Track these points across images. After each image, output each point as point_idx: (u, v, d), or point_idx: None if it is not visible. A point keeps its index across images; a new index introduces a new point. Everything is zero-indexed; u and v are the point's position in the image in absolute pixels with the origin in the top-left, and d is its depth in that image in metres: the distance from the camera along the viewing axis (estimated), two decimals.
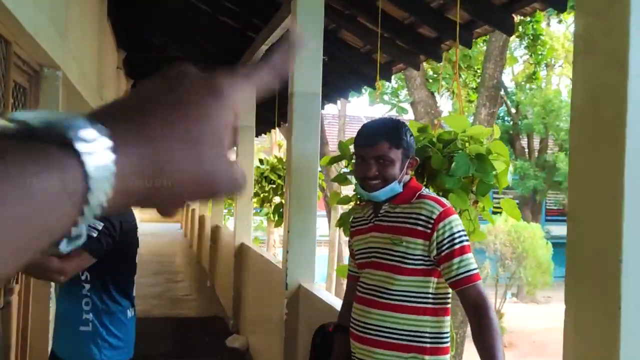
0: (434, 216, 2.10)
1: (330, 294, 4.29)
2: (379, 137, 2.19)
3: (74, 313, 2.64)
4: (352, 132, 3.17)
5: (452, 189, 2.35)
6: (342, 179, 3.52)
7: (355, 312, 2.26)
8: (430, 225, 2.10)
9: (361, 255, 2.31)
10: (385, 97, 14.55)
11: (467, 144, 2.44)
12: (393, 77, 6.26)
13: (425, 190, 2.25)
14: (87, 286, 2.63)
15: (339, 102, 14.57)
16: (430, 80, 11.30)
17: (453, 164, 2.39)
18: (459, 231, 2.11)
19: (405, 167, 2.21)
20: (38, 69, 3.73)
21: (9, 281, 3.43)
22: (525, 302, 18.61)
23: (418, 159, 2.30)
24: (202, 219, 12.55)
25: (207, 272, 10.76)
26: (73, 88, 4.44)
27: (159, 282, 10.48)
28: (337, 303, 3.44)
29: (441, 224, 2.09)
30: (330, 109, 15.01)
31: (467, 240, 2.14)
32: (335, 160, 3.44)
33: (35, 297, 3.72)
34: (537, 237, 15.50)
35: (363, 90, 9.66)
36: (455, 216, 2.15)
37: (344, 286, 2.58)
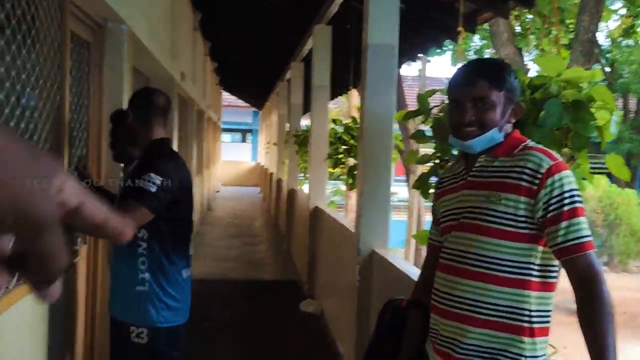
0: (542, 170, 1.75)
1: (406, 262, 4.02)
2: (477, 76, 1.87)
3: (130, 272, 2.54)
4: None
5: (541, 141, 1.98)
6: (420, 136, 3.20)
7: (439, 282, 1.94)
8: (537, 181, 1.75)
9: (448, 217, 1.97)
10: (469, 56, 13.87)
11: (562, 90, 2.08)
12: (478, 34, 5.80)
13: (532, 142, 1.89)
14: (144, 244, 2.52)
15: (419, 62, 14.02)
16: (518, 37, 10.61)
17: (542, 112, 2.03)
18: (570, 189, 1.75)
19: (508, 113, 1.88)
20: (101, 22, 3.60)
21: (75, 241, 3.37)
22: (617, 271, 17.66)
23: (524, 105, 1.93)
24: (279, 182, 12.49)
25: (284, 235, 10.70)
26: (141, 44, 4.31)
27: (236, 245, 10.53)
28: (414, 272, 3.16)
29: (550, 180, 1.74)
30: (409, 70, 14.42)
31: (580, 202, 1.76)
32: (412, 114, 3.12)
33: (103, 259, 3.66)
34: (631, 204, 14.51)
35: (444, 47, 9.16)
36: (568, 172, 1.78)
37: (424, 255, 2.26)
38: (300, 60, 9.55)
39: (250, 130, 29.35)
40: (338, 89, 9.08)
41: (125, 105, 3.54)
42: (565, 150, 2.17)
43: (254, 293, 7.26)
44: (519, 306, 1.78)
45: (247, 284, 7.68)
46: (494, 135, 1.86)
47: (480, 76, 1.84)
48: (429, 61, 13.37)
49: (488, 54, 14.32)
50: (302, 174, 9.70)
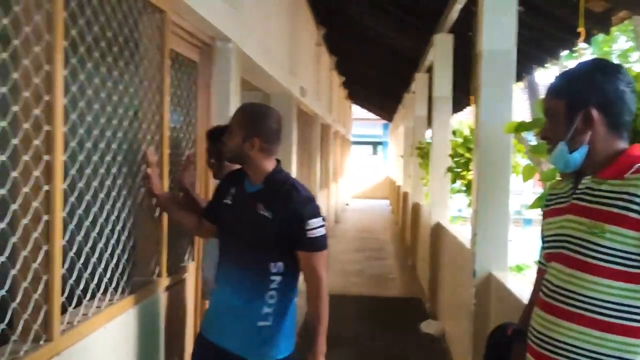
0: None
1: (526, 285, 3.68)
2: (551, 86, 1.68)
3: (253, 307, 2.42)
4: None
5: None
6: (539, 150, 2.90)
7: (536, 321, 1.71)
8: None
9: (550, 244, 1.74)
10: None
11: None
12: (625, 35, 5.27)
13: None
14: (279, 279, 2.43)
15: (556, 67, 13.18)
16: None
17: None
18: None
19: (576, 122, 1.62)
20: (209, 41, 3.65)
21: (182, 258, 3.42)
22: None
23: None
24: (405, 195, 12.25)
25: (409, 250, 10.45)
26: (251, 61, 4.34)
27: (360, 259, 10.42)
28: None
29: None
30: (544, 75, 13.64)
31: None
32: (526, 126, 2.84)
33: None
34: None
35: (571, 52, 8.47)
36: None
37: None
38: (424, 71, 9.32)
39: (380, 143, 29.29)
40: (462, 99, 8.73)
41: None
42: None
43: (376, 309, 7.08)
44: (625, 356, 1.51)
45: (370, 299, 7.53)
46: (562, 151, 1.64)
47: (552, 86, 1.62)
48: (565, 66, 12.53)
49: (635, 56, 13.17)
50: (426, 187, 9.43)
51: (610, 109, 1.61)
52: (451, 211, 7.70)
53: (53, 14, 1.84)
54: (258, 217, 2.39)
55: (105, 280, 2.33)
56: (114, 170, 2.41)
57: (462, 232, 5.63)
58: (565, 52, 6.31)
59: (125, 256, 2.53)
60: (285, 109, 6.54)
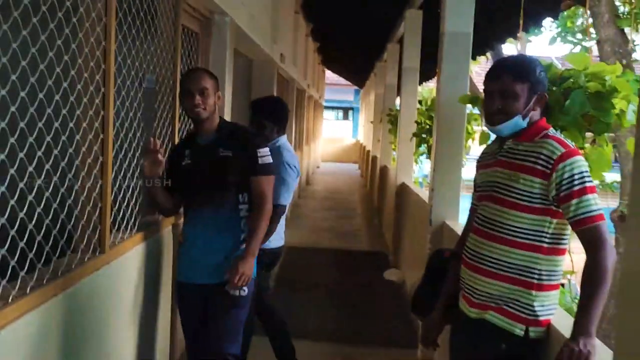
0: (555, 157, 2.09)
1: None
2: (502, 71, 2.22)
3: (232, 238, 2.85)
4: None
5: (566, 126, 2.31)
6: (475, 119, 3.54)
7: (470, 242, 2.35)
8: (549, 166, 2.10)
9: (482, 188, 2.37)
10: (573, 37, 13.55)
11: (588, 82, 2.37)
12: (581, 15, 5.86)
13: (552, 131, 2.21)
14: (246, 206, 2.87)
15: (518, 43, 13.89)
16: (622, 16, 10.32)
17: (567, 101, 2.34)
18: (580, 172, 2.07)
19: (532, 102, 2.21)
20: (208, 15, 4.17)
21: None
22: None
23: (547, 95, 2.25)
24: (374, 159, 12.92)
25: (376, 210, 11.17)
26: (242, 32, 4.86)
27: (331, 217, 11.12)
28: None
29: (561, 165, 2.08)
30: (509, 49, 14.26)
31: (589, 182, 2.08)
32: (471, 99, 3.46)
33: None
34: None
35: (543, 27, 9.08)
36: (578, 157, 2.11)
37: None
38: (396, 41, 9.87)
39: (351, 108, 29.87)
40: (429, 71, 9.33)
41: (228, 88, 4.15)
42: (588, 134, 2.47)
43: (344, 261, 7.80)
44: (530, 266, 2.17)
45: (338, 252, 8.24)
46: (518, 122, 2.21)
47: (505, 71, 2.20)
48: (529, 41, 13.22)
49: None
50: (395, 152, 10.06)
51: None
52: (416, 175, 8.39)
53: (109, 2, 2.38)
54: (221, 158, 2.82)
55: (135, 213, 2.92)
56: (142, 126, 2.97)
57: (423, 192, 6.32)
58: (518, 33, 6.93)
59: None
60: (267, 75, 7.13)
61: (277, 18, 7.12)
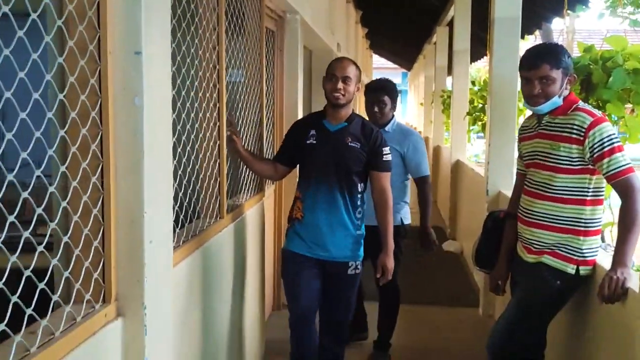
0: (585, 126, 2.55)
1: None
2: (541, 60, 2.66)
3: (351, 221, 3.17)
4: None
5: (609, 99, 2.75)
6: None
7: (524, 202, 2.83)
8: (582, 133, 2.55)
9: (527, 157, 2.84)
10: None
11: (626, 61, 2.79)
12: None
13: (581, 104, 2.67)
14: (361, 196, 3.20)
15: (568, 18, 13.94)
16: None
17: (610, 78, 2.76)
18: (608, 136, 2.52)
19: (565, 83, 2.67)
20: (282, 14, 4.71)
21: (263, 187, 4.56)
22: None
23: (576, 76, 2.71)
24: (426, 139, 13.32)
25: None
26: (308, 27, 5.39)
27: None
28: None
29: (591, 132, 2.53)
30: (558, 25, 14.30)
31: (617, 142, 2.53)
32: None
33: None
34: None
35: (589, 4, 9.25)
36: (605, 124, 2.56)
37: None
38: (445, 25, 10.23)
39: (400, 91, 30.07)
40: (477, 53, 9.66)
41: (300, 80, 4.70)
42: (628, 105, 2.90)
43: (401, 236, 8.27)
44: (576, 216, 2.64)
45: (396, 228, 8.69)
46: (555, 101, 2.67)
47: (543, 60, 2.65)
48: (578, 16, 13.31)
49: None
50: (447, 132, 10.45)
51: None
52: (469, 153, 8.79)
53: (219, 12, 2.93)
54: (348, 148, 3.08)
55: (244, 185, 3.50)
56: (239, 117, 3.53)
57: (477, 167, 6.74)
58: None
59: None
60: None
61: (333, 9, 7.61)
